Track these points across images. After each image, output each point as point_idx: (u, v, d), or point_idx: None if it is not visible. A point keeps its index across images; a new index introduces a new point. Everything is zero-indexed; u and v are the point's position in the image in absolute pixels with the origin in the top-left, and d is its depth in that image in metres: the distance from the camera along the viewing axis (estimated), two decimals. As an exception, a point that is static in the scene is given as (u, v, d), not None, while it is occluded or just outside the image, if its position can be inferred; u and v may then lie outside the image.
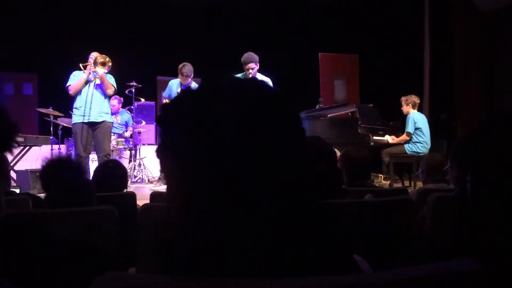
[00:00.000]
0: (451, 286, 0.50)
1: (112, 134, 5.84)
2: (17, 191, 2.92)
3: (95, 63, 5.11)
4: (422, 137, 5.78)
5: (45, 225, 1.52)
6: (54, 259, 1.48)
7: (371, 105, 6.76)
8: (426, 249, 1.73)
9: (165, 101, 6.05)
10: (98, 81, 5.21)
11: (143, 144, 7.48)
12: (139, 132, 7.30)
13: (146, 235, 1.63)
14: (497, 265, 0.83)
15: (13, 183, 4.90)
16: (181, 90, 0.61)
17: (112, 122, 5.68)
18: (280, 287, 0.49)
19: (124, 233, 1.61)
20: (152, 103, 8.53)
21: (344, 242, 0.59)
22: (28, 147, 5.96)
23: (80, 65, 5.29)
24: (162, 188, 5.66)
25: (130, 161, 7.05)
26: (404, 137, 5.87)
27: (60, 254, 1.49)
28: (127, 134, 7.15)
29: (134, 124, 7.06)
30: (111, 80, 5.27)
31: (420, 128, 5.77)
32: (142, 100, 7.55)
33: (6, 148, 0.98)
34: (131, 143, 7.05)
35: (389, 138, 6.10)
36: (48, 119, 6.46)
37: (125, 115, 7.38)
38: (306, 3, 8.84)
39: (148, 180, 6.81)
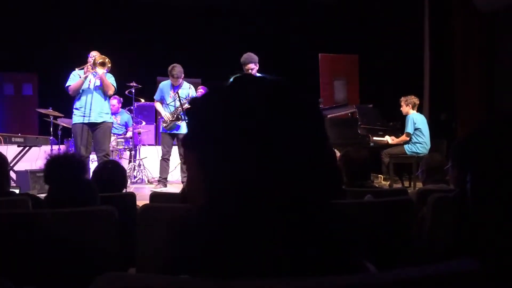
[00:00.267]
0: (452, 287, 0.50)
1: (111, 134, 5.84)
2: (17, 191, 2.91)
3: (95, 63, 5.12)
4: (421, 137, 5.78)
5: (45, 225, 1.51)
6: (54, 259, 1.48)
7: (371, 105, 6.76)
8: (426, 250, 1.73)
9: (157, 104, 6.04)
10: (98, 82, 5.21)
11: (143, 145, 7.48)
12: (139, 133, 7.30)
13: (146, 235, 1.63)
14: (497, 265, 0.83)
15: (12, 184, 4.89)
16: (211, 86, 0.61)
17: (112, 123, 5.69)
18: (281, 287, 0.49)
19: (124, 233, 1.61)
20: (152, 103, 8.52)
21: (350, 242, 0.59)
22: (28, 148, 5.96)
23: (76, 69, 5.29)
24: (162, 189, 5.66)
25: (130, 161, 7.04)
26: (403, 137, 5.87)
27: (60, 254, 1.49)
28: (128, 134, 7.16)
29: (134, 124, 7.06)
30: (110, 79, 5.27)
31: (419, 128, 5.77)
32: (142, 100, 7.55)
33: None
34: (131, 143, 7.05)
35: (389, 139, 6.10)
36: (48, 119, 6.46)
37: (125, 116, 7.38)
38: (306, 3, 8.84)
39: (148, 181, 6.81)
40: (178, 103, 5.81)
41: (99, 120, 5.20)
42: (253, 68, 5.19)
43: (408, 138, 5.82)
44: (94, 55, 5.22)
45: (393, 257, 1.65)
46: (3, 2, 7.86)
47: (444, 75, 7.40)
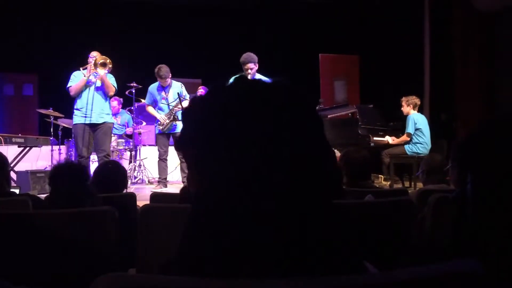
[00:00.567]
0: (452, 287, 0.50)
1: (112, 135, 5.84)
2: (17, 191, 2.91)
3: (96, 64, 5.12)
4: (422, 137, 5.77)
5: (45, 226, 1.52)
6: (54, 260, 1.48)
7: (371, 105, 6.76)
8: (426, 250, 1.73)
9: (149, 107, 6.03)
10: (99, 83, 5.21)
11: (144, 145, 7.48)
12: (139, 133, 7.29)
13: (146, 235, 1.63)
14: (497, 265, 0.83)
15: (13, 184, 4.89)
16: (211, 87, 0.61)
17: (113, 123, 5.68)
18: (281, 287, 0.48)
19: (124, 234, 1.61)
20: (152, 104, 8.55)
21: (349, 242, 0.59)
22: (28, 148, 5.97)
23: (81, 68, 5.30)
24: (162, 189, 5.66)
25: (130, 162, 7.04)
26: (404, 137, 5.87)
27: (60, 254, 1.49)
28: (128, 132, 7.16)
29: (134, 125, 7.06)
30: (111, 80, 5.28)
31: (420, 128, 5.77)
32: (143, 101, 7.54)
33: None
34: (131, 144, 7.05)
35: (389, 139, 6.10)
36: (49, 120, 6.46)
37: (125, 116, 7.38)
38: (306, 3, 8.84)
39: (148, 181, 6.81)
40: (174, 104, 5.81)
41: (100, 121, 5.20)
42: (253, 68, 5.18)
43: (408, 138, 5.81)
44: (95, 55, 5.22)
45: (393, 258, 1.65)
46: (3, 2, 7.87)
47: (444, 75, 7.40)
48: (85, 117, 5.14)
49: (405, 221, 1.75)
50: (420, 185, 4.84)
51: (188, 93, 6.01)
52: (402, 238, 1.72)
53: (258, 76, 5.14)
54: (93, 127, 5.19)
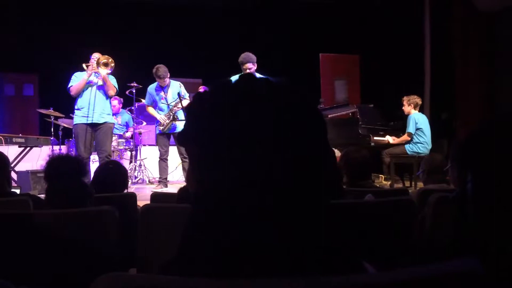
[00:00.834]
0: (452, 287, 0.50)
1: (112, 135, 5.84)
2: (18, 191, 2.91)
3: (98, 63, 5.12)
4: (423, 137, 5.77)
5: (45, 226, 1.52)
6: (54, 260, 1.48)
7: (371, 105, 6.75)
8: (427, 250, 1.73)
9: (149, 108, 6.03)
10: (100, 82, 5.21)
11: (144, 145, 7.48)
12: (140, 133, 7.30)
13: (146, 235, 1.63)
14: (498, 265, 0.83)
15: (13, 184, 4.90)
16: (215, 84, 0.62)
17: (114, 123, 5.68)
18: (281, 287, 0.48)
19: (124, 233, 1.61)
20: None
21: (348, 242, 0.60)
22: (28, 148, 5.97)
23: (84, 65, 5.29)
24: (163, 189, 5.66)
25: (130, 162, 7.05)
26: (405, 137, 5.87)
27: (61, 254, 1.49)
28: (128, 134, 7.16)
29: (135, 125, 7.06)
30: (112, 81, 5.28)
31: (421, 128, 5.77)
32: (143, 101, 7.54)
33: None
34: (131, 144, 7.05)
35: (389, 139, 6.09)
36: (49, 120, 6.47)
37: (126, 116, 7.38)
38: (307, 3, 8.84)
39: (149, 181, 6.81)
40: (173, 104, 5.81)
41: (101, 121, 5.20)
42: (251, 67, 5.18)
43: (409, 138, 5.81)
44: (97, 57, 5.22)
45: (394, 257, 1.65)
46: (3, 2, 7.87)
47: (445, 74, 7.40)
48: (86, 117, 5.14)
49: (406, 221, 1.75)
50: (420, 184, 4.84)
51: (188, 93, 6.01)
52: (403, 238, 1.72)
53: (257, 76, 5.13)
54: (94, 127, 5.19)
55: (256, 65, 5.24)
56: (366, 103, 7.06)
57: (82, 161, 1.94)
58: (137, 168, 6.89)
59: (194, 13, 9.04)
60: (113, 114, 6.12)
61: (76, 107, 5.23)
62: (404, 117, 6.03)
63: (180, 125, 5.80)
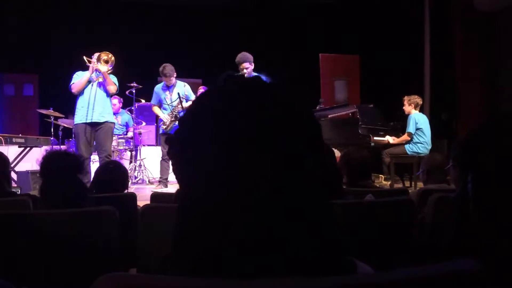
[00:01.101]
0: (452, 287, 0.50)
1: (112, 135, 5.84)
2: (18, 191, 2.92)
3: (99, 59, 5.11)
4: (423, 137, 5.77)
5: (45, 226, 1.52)
6: (54, 260, 1.48)
7: (371, 105, 6.75)
8: (427, 249, 1.73)
9: (155, 107, 6.05)
10: (100, 79, 5.20)
11: (144, 145, 7.49)
12: (140, 133, 7.30)
13: (146, 235, 1.64)
14: (498, 265, 0.83)
15: (13, 184, 4.90)
16: (206, 90, 0.62)
17: (114, 123, 5.67)
18: (280, 287, 0.48)
19: (124, 233, 1.61)
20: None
21: (344, 242, 0.59)
22: (28, 148, 5.97)
23: (84, 57, 5.27)
24: (163, 189, 5.67)
25: (130, 162, 7.05)
26: (405, 137, 5.87)
27: (61, 254, 1.49)
28: (129, 134, 7.16)
29: (135, 125, 7.06)
30: (113, 79, 5.27)
31: (421, 128, 5.77)
32: (143, 101, 7.55)
33: None
34: (131, 144, 7.06)
35: (389, 139, 6.10)
36: (49, 120, 6.47)
37: (126, 116, 7.39)
38: (307, 3, 8.84)
39: (149, 181, 6.81)
40: (175, 103, 5.82)
41: (102, 120, 5.19)
42: (248, 67, 5.18)
43: (409, 138, 5.81)
44: (98, 54, 5.22)
45: (394, 257, 1.65)
46: (3, 2, 7.87)
47: (445, 74, 7.40)
48: (86, 116, 5.13)
49: (405, 221, 1.75)
50: (420, 184, 4.84)
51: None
52: (403, 238, 1.72)
53: (251, 75, 5.13)
54: (95, 126, 5.18)
55: (253, 65, 5.24)
56: (366, 103, 7.06)
57: (80, 159, 1.92)
58: (137, 168, 6.89)
59: (194, 13, 9.04)
60: (113, 114, 6.12)
61: (76, 107, 5.23)
62: (404, 117, 6.03)
63: None
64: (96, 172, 2.75)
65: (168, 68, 5.78)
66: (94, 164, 5.75)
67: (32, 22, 8.24)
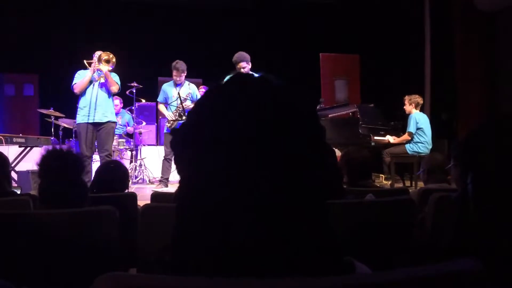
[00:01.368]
0: (452, 287, 0.50)
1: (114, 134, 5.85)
2: (18, 191, 2.92)
3: (99, 60, 5.11)
4: (423, 137, 5.77)
5: (45, 226, 1.52)
6: (54, 260, 1.48)
7: (372, 105, 6.75)
8: (427, 249, 1.73)
9: (160, 105, 6.06)
10: (102, 80, 5.20)
11: (144, 145, 7.49)
12: (140, 133, 7.30)
13: (147, 235, 1.63)
14: (498, 265, 0.83)
15: (14, 184, 4.90)
16: (207, 90, 0.62)
17: (116, 123, 5.67)
18: (279, 287, 0.48)
19: (125, 233, 1.61)
20: (153, 104, 8.53)
21: (343, 242, 0.59)
22: (29, 148, 5.97)
23: (85, 61, 5.28)
24: (163, 189, 5.67)
25: (131, 161, 7.05)
26: (405, 137, 5.87)
27: (61, 254, 1.49)
28: (129, 128, 7.17)
29: (135, 124, 7.07)
30: (115, 78, 5.27)
31: (421, 128, 5.77)
32: (143, 100, 7.55)
33: None
34: (132, 143, 7.06)
35: (390, 138, 6.09)
36: (49, 120, 6.47)
37: (126, 116, 7.39)
38: (307, 3, 8.84)
39: (149, 181, 6.81)
40: (175, 103, 5.82)
41: (104, 120, 5.19)
42: (245, 66, 5.19)
43: (410, 138, 5.81)
44: (99, 54, 5.22)
45: (394, 257, 1.65)
46: (3, 2, 7.87)
47: (445, 74, 7.39)
48: (88, 116, 5.14)
49: (406, 221, 1.75)
50: (421, 184, 4.84)
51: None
52: (403, 238, 1.72)
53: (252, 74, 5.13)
54: (97, 126, 5.19)
55: (250, 64, 5.24)
56: (366, 102, 7.06)
57: (80, 158, 1.90)
58: (137, 168, 6.89)
59: (194, 13, 9.04)
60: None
61: (79, 106, 5.23)
62: (405, 117, 6.02)
63: None
64: (97, 172, 2.75)
65: (181, 63, 5.81)
66: (95, 164, 5.75)
67: (32, 22, 8.24)
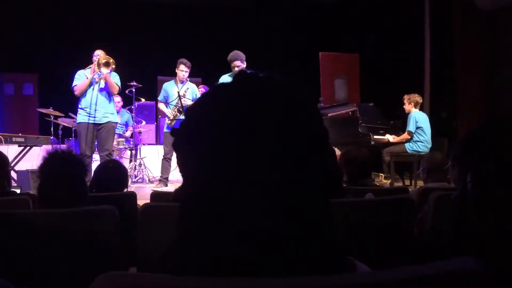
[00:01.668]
0: (452, 286, 0.50)
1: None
2: (18, 191, 2.91)
3: (99, 64, 5.11)
4: (423, 136, 5.77)
5: (45, 225, 1.52)
6: (54, 260, 1.48)
7: (371, 104, 6.75)
8: (427, 248, 1.73)
9: (160, 104, 6.06)
10: (102, 83, 5.21)
11: (144, 144, 7.49)
12: (140, 132, 7.30)
13: (146, 234, 1.63)
14: (498, 265, 0.83)
15: (13, 183, 4.89)
16: (209, 89, 0.61)
17: (117, 122, 5.67)
18: (280, 287, 0.48)
19: (124, 232, 1.61)
20: (152, 103, 8.54)
21: (342, 242, 0.59)
22: (28, 147, 5.97)
23: (83, 71, 5.28)
24: (163, 188, 5.67)
25: (130, 161, 7.05)
26: (405, 136, 5.87)
27: (60, 254, 1.49)
28: (128, 134, 7.16)
29: (135, 124, 7.07)
30: (115, 78, 5.28)
31: (421, 127, 5.77)
32: (143, 100, 7.55)
33: None
34: (131, 143, 7.06)
35: (390, 137, 6.10)
36: (49, 119, 6.47)
37: (126, 115, 7.39)
38: (307, 2, 8.84)
39: (149, 180, 6.81)
40: (174, 102, 5.83)
41: (104, 120, 5.22)
42: (240, 65, 5.19)
43: (409, 137, 5.82)
44: (99, 54, 5.22)
45: (394, 256, 1.65)
46: (3, 2, 7.87)
47: (445, 73, 7.39)
48: (89, 116, 5.16)
49: (406, 220, 1.75)
50: (420, 183, 4.84)
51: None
52: (403, 237, 1.72)
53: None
54: (97, 126, 5.21)
55: (245, 63, 5.25)
56: (366, 101, 7.06)
57: (80, 159, 1.91)
58: (137, 167, 6.89)
59: (194, 13, 9.03)
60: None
61: (79, 106, 5.25)
62: (404, 116, 6.02)
63: None
64: (96, 171, 2.75)
65: (186, 60, 5.83)
66: (94, 163, 5.75)
67: (32, 22, 8.23)
